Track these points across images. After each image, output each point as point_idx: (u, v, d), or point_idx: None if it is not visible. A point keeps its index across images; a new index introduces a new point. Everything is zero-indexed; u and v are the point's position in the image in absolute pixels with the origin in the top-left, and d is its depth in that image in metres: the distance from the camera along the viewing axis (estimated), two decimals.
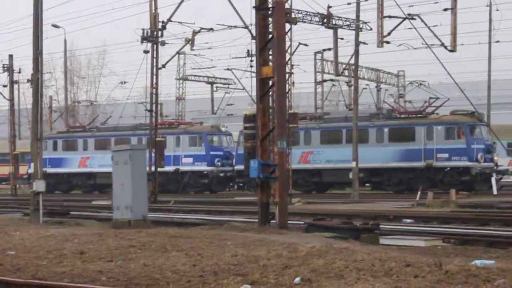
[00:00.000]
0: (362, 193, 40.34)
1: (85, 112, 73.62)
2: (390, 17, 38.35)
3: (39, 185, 25.06)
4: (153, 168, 40.16)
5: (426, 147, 41.66)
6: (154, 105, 41.75)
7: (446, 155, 41.25)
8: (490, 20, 50.44)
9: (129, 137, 50.79)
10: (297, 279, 11.45)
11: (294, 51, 42.05)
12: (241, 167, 41.21)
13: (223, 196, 45.90)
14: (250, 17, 21.70)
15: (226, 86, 58.32)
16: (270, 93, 20.53)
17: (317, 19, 42.12)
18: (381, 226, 20.36)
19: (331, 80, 53.55)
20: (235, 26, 41.48)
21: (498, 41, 50.73)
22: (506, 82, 79.51)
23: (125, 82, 65.40)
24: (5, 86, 54.98)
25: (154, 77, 40.97)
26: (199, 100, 72.75)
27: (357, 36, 39.19)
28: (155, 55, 40.98)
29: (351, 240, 17.87)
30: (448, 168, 41.18)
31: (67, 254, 15.46)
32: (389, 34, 38.30)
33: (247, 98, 42.00)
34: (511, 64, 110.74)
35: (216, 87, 59.28)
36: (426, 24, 38.77)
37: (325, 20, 42.61)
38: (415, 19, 38.02)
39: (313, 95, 53.79)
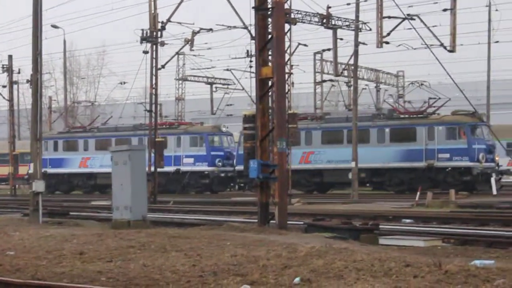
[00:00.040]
0: (362, 193, 40.33)
1: (85, 113, 73.58)
2: (389, 17, 38.35)
3: (39, 186, 25.08)
4: (152, 169, 40.18)
5: (427, 147, 41.65)
6: (153, 106, 41.78)
7: (447, 155, 41.25)
8: (490, 20, 50.51)
9: (129, 138, 50.77)
10: (297, 279, 11.45)
11: (294, 52, 42.10)
12: (242, 167, 41.14)
13: (224, 196, 45.86)
14: (250, 17, 21.72)
15: (226, 86, 58.24)
16: (270, 93, 20.52)
17: (316, 19, 42.06)
18: (380, 226, 20.38)
19: (331, 80, 53.42)
20: (234, 27, 41.45)
21: (497, 42, 50.79)
22: (505, 82, 79.50)
23: (124, 83, 65.28)
24: (4, 86, 54.95)
25: (154, 77, 41.00)
26: (199, 101, 72.68)
27: (356, 36, 39.17)
28: (154, 56, 41.00)
29: (351, 240, 17.88)
30: (449, 168, 41.16)
31: (66, 254, 15.46)
32: (388, 34, 38.32)
33: (247, 99, 41.91)
34: (510, 64, 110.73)
35: (216, 87, 59.21)
36: (425, 25, 38.81)
37: (324, 21, 42.55)
38: (414, 19, 38.02)
39: (312, 96, 53.68)
